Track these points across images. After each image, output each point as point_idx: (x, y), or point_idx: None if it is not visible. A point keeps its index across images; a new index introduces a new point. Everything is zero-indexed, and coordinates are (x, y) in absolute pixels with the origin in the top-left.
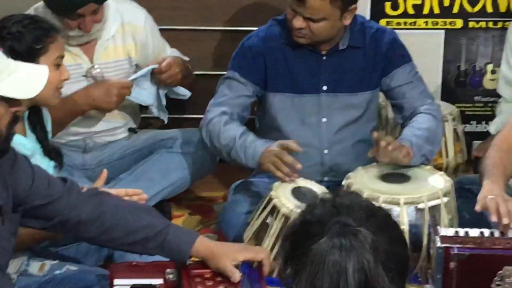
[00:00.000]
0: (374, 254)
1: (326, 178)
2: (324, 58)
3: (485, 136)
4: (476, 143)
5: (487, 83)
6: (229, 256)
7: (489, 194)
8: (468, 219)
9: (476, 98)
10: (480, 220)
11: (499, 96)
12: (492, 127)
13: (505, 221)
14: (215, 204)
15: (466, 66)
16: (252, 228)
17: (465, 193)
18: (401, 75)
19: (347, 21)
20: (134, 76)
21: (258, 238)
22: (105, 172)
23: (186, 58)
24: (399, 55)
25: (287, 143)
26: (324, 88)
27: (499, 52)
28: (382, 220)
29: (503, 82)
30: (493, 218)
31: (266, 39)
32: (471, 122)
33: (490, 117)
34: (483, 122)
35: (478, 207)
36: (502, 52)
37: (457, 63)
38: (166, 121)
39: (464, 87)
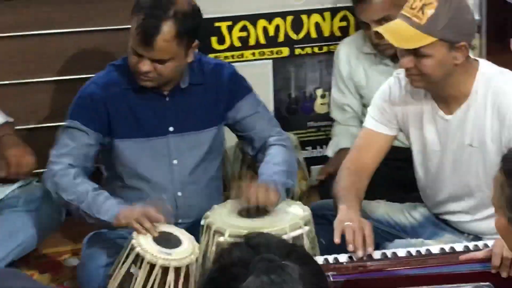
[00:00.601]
0: (304, 286)
1: (180, 220)
2: (167, 99)
3: (321, 160)
4: (314, 168)
5: (318, 107)
6: None
7: (345, 219)
8: (325, 245)
9: (309, 123)
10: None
11: (331, 120)
12: (329, 150)
13: (359, 254)
14: (63, 259)
15: (296, 93)
16: (115, 279)
17: (319, 220)
18: (245, 106)
19: (190, 59)
20: None
21: None
22: None
23: (11, 119)
24: (240, 87)
25: (150, 214)
26: (171, 129)
27: (327, 76)
28: (302, 254)
29: (335, 106)
30: (350, 248)
31: (105, 86)
32: (307, 148)
33: (324, 141)
34: (318, 147)
35: (336, 238)
36: (330, 76)
37: (287, 91)
38: None
39: (296, 114)
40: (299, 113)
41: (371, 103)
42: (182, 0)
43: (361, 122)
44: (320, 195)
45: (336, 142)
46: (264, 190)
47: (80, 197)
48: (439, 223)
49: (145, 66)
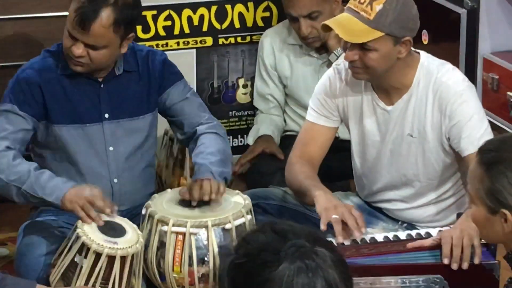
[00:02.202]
0: (337, 270)
1: (116, 208)
2: (102, 85)
3: (244, 149)
4: (236, 157)
5: (240, 97)
6: None
7: (328, 204)
8: None
9: (230, 113)
10: None
11: (253, 109)
12: (250, 138)
13: (356, 235)
14: None
15: (219, 83)
16: (59, 269)
17: (254, 209)
18: (175, 92)
19: (124, 50)
20: None
21: (66, 279)
22: None
23: None
24: (171, 74)
25: (96, 202)
26: (106, 115)
27: (250, 66)
28: (326, 241)
29: (258, 95)
30: (339, 240)
31: (41, 71)
32: (228, 137)
33: (246, 131)
34: (239, 136)
35: (322, 226)
36: (253, 66)
37: (210, 81)
38: None
39: (218, 103)
40: (221, 103)
41: (312, 95)
42: None
43: (284, 111)
44: (247, 184)
45: (256, 129)
46: (210, 185)
47: (22, 177)
48: (373, 211)
49: (79, 50)
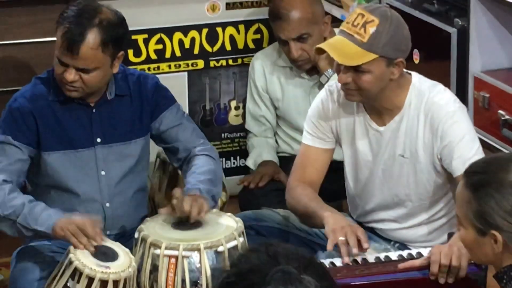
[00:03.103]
0: None
1: (108, 232)
2: (94, 110)
3: (236, 171)
4: (230, 179)
5: (232, 119)
6: None
7: (337, 225)
8: None
9: (223, 135)
10: None
11: (245, 131)
12: (249, 161)
13: (355, 251)
14: None
15: (211, 105)
16: None
17: (246, 231)
18: (169, 117)
19: (116, 69)
20: None
21: None
22: None
23: None
24: (164, 98)
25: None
26: (98, 140)
27: (241, 88)
28: (319, 268)
29: (250, 118)
30: (345, 260)
31: (33, 99)
32: (221, 159)
33: (238, 153)
34: (231, 158)
35: (329, 246)
36: (244, 88)
37: (202, 103)
38: None
39: (211, 125)
40: (213, 125)
41: (306, 118)
42: (107, 9)
43: (276, 133)
44: (240, 206)
45: (258, 153)
46: (194, 200)
47: (16, 211)
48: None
49: (71, 75)
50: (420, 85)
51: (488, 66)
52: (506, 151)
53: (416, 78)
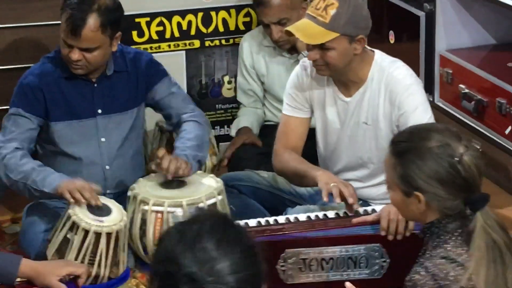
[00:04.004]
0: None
1: (108, 191)
2: (95, 85)
3: (229, 138)
4: (223, 144)
5: (225, 92)
6: (54, 272)
7: (330, 181)
8: (235, 211)
9: (217, 106)
10: (245, 212)
11: (237, 103)
12: (232, 130)
13: (350, 201)
14: (4, 227)
15: (207, 80)
16: (54, 244)
17: (229, 189)
18: (162, 88)
19: (115, 48)
20: None
21: (60, 253)
22: None
23: None
24: (157, 72)
25: (85, 192)
26: (99, 111)
27: (233, 65)
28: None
29: (241, 91)
30: (337, 201)
31: (41, 76)
32: (215, 127)
33: (231, 122)
34: (225, 126)
35: (324, 197)
36: (236, 64)
37: (198, 78)
38: None
39: (206, 98)
40: (209, 97)
41: (284, 91)
42: None
43: (263, 104)
44: (229, 168)
45: (237, 122)
46: (176, 162)
47: (26, 175)
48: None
49: (75, 55)
50: (382, 61)
51: (452, 45)
52: (466, 121)
53: (378, 55)
